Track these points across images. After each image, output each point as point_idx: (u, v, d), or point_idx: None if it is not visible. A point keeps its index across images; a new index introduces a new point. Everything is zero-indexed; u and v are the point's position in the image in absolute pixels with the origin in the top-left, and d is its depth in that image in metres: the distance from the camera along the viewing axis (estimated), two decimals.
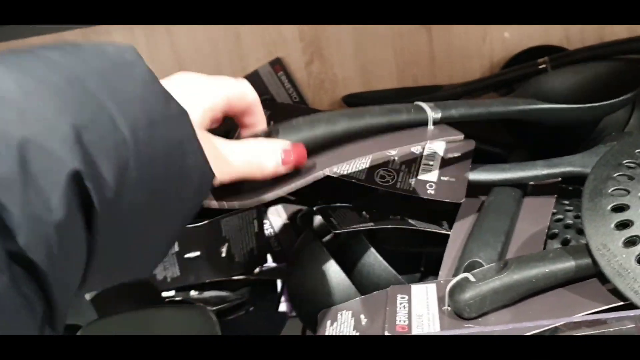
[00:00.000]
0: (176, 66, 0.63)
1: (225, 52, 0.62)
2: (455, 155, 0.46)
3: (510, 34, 0.60)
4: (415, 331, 0.33)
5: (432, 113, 0.43)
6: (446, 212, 0.47)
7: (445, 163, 0.45)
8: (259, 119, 0.37)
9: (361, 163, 0.44)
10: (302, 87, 0.62)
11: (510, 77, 0.56)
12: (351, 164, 0.41)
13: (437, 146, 0.47)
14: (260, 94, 0.62)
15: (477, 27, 0.60)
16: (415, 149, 0.47)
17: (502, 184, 0.44)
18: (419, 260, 0.48)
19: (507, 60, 0.59)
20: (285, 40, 0.61)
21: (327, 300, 0.40)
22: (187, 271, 0.44)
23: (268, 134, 0.37)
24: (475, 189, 0.45)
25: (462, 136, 0.44)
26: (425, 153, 0.46)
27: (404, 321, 0.34)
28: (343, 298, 0.39)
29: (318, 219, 0.49)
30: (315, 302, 0.40)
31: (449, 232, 0.43)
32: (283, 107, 0.52)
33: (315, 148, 0.38)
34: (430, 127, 0.43)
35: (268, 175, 0.34)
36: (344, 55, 0.62)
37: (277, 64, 0.62)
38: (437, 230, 0.43)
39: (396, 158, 0.46)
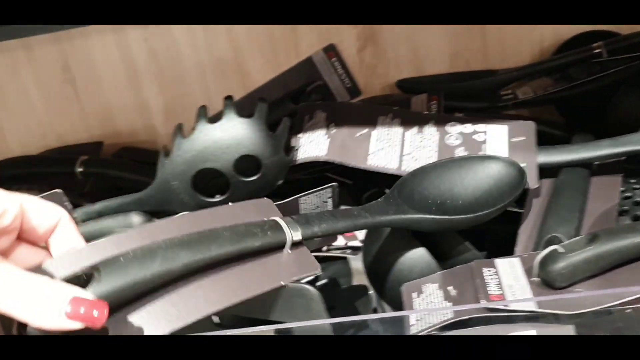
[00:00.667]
0: (234, 55, 0.64)
1: (281, 39, 0.63)
2: (521, 139, 0.48)
3: None
4: (510, 298, 0.34)
5: (291, 233, 0.35)
6: None
7: (512, 148, 0.47)
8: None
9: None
10: (354, 72, 0.63)
11: (565, 62, 0.57)
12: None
13: (501, 131, 0.48)
14: (313, 80, 0.64)
15: None
16: (478, 136, 0.48)
17: (569, 164, 0.46)
18: (482, 240, 0.50)
19: (559, 46, 0.61)
20: (338, 26, 0.63)
21: (408, 276, 0.41)
22: None
23: (85, 276, 0.29)
24: (542, 171, 0.47)
25: (318, 271, 0.36)
26: (488, 138, 0.48)
27: (497, 291, 0.36)
28: (424, 273, 0.41)
29: None
30: (397, 278, 0.42)
31: (521, 210, 0.44)
32: (341, 107, 0.52)
33: (147, 290, 0.30)
34: (287, 251, 0.35)
35: (45, 327, 0.27)
36: (396, 41, 0.63)
37: (331, 51, 0.63)
38: (512, 209, 0.45)
39: (461, 149, 0.47)
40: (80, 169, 0.59)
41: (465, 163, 0.43)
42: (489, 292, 0.36)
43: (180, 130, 0.44)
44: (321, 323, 0.33)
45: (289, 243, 0.35)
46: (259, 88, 0.65)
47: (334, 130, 0.48)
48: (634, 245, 0.34)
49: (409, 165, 0.45)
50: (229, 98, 0.44)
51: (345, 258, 0.50)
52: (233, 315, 0.38)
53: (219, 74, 0.65)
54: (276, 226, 0.35)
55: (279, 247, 0.35)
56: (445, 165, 0.43)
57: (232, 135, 0.42)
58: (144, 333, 0.29)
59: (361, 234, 0.51)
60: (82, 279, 0.28)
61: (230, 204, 0.39)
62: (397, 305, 0.41)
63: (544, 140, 0.47)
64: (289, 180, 0.47)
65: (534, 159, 0.45)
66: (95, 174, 0.59)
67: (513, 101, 0.56)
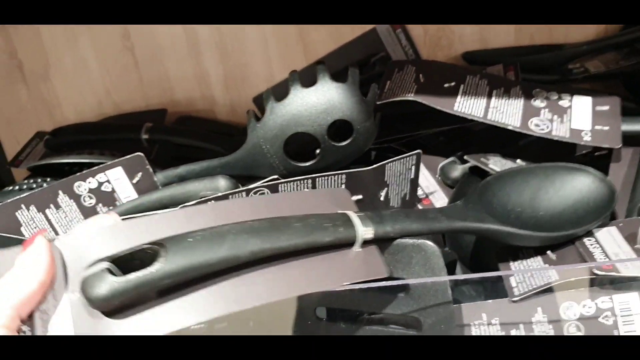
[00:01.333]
0: (296, 25, 0.64)
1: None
2: (605, 108, 0.48)
3: None
4: (621, 265, 0.35)
5: (362, 231, 0.33)
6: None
7: (596, 115, 0.47)
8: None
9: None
10: (418, 44, 0.63)
11: (634, 37, 0.57)
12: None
13: (585, 100, 0.49)
14: (376, 52, 0.64)
15: None
16: (563, 102, 0.49)
17: None
18: None
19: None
20: None
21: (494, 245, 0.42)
22: None
23: (150, 250, 0.29)
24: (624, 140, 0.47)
25: (385, 274, 0.34)
26: (573, 104, 0.48)
27: (604, 259, 0.36)
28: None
29: (460, 169, 0.51)
30: (483, 245, 0.42)
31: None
32: (431, 63, 0.53)
33: (211, 272, 0.29)
34: (357, 248, 0.33)
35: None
36: None
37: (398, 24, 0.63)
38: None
39: (546, 110, 0.48)
40: (145, 136, 0.59)
41: (552, 172, 0.40)
42: (595, 259, 0.36)
43: (272, 94, 0.44)
44: (439, 280, 0.33)
45: (359, 241, 0.33)
46: (321, 59, 0.64)
47: (423, 80, 0.48)
48: None
49: (495, 116, 0.46)
50: (321, 63, 0.44)
51: None
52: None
53: (281, 45, 0.65)
54: (348, 222, 0.33)
55: (349, 243, 0.33)
56: (532, 172, 0.40)
57: (326, 99, 0.42)
58: (199, 312, 0.28)
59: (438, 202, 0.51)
60: (147, 253, 0.28)
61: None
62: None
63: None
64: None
65: (618, 124, 0.46)
66: (161, 140, 0.59)
67: (584, 74, 0.56)
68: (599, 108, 0.48)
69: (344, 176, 0.43)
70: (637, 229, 0.37)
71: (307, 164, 0.44)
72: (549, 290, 0.36)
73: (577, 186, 0.39)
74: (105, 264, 0.26)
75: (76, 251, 0.28)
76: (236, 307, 0.29)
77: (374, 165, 0.44)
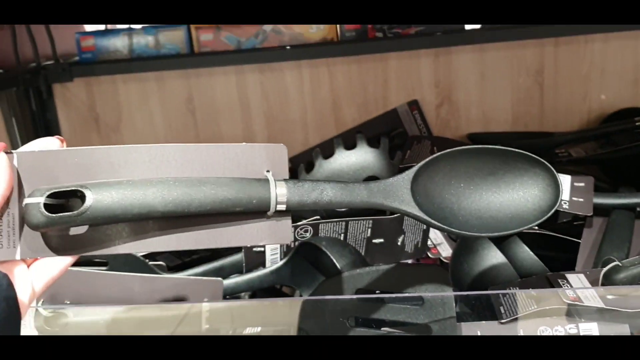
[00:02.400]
0: (332, 101, 0.77)
1: (373, 92, 0.77)
2: (581, 184, 0.60)
3: (606, 96, 0.75)
4: (584, 300, 0.46)
5: (276, 199, 0.33)
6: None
7: (574, 189, 0.59)
8: None
9: None
10: (431, 124, 0.76)
11: (611, 130, 0.70)
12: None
13: (566, 178, 0.61)
14: (395, 127, 0.77)
15: (580, 88, 0.74)
16: None
17: (618, 207, 0.58)
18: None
19: (605, 118, 0.74)
20: (422, 85, 0.76)
21: (492, 282, 0.53)
22: (371, 253, 0.57)
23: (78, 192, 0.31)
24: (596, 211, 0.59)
25: (288, 241, 0.36)
26: None
27: (573, 294, 0.47)
28: (505, 281, 0.52)
29: None
30: (482, 283, 0.53)
31: (579, 241, 0.56)
32: (443, 139, 0.66)
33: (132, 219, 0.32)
34: (271, 213, 0.33)
35: None
36: (468, 102, 0.76)
37: (414, 105, 0.76)
38: (572, 239, 0.56)
39: None
40: None
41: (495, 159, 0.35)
42: (568, 295, 0.47)
43: (320, 153, 0.56)
44: (447, 295, 0.44)
45: (273, 205, 0.33)
46: (350, 129, 0.77)
47: (436, 151, 0.61)
48: None
49: None
50: (359, 132, 0.57)
51: None
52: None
53: (317, 116, 0.78)
54: (266, 185, 0.33)
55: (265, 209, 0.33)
56: (472, 155, 0.36)
57: (363, 159, 0.55)
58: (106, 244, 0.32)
59: (445, 252, 0.62)
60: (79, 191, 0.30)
61: (244, 143, 0.35)
62: None
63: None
64: None
65: (590, 197, 0.58)
66: None
67: (568, 158, 0.68)
68: (576, 184, 0.60)
69: (370, 221, 0.54)
70: (599, 276, 0.48)
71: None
72: (529, 316, 0.46)
73: (524, 182, 0.36)
74: (41, 199, 0.30)
75: (29, 168, 0.31)
76: (142, 248, 0.32)
77: (395, 215, 0.56)
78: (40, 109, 0.80)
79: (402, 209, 0.35)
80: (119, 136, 0.80)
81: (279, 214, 0.34)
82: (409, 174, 0.36)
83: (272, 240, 0.34)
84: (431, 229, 0.63)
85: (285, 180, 0.34)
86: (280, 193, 0.33)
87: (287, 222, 0.34)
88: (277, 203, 0.33)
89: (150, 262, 0.50)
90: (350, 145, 0.55)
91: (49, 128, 0.81)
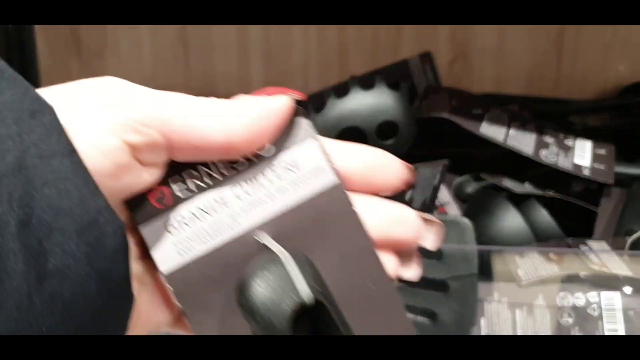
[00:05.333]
0: (339, 49, 0.72)
1: (384, 40, 0.72)
2: (602, 152, 0.57)
3: (625, 67, 0.71)
4: (610, 267, 0.43)
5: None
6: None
7: (595, 156, 0.56)
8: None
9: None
10: (442, 81, 0.72)
11: (628, 103, 0.67)
12: None
13: (586, 143, 0.58)
14: (404, 80, 0.72)
15: (599, 57, 0.71)
16: (568, 142, 0.58)
17: (637, 178, 0.55)
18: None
19: (622, 89, 0.71)
20: (437, 38, 0.71)
21: (508, 245, 0.49)
22: None
23: None
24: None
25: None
26: (576, 145, 0.57)
27: (598, 261, 0.44)
28: (521, 244, 0.49)
29: (474, 185, 0.59)
30: (498, 243, 0.50)
31: (595, 210, 0.53)
32: (462, 92, 0.62)
33: None
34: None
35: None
36: (484, 60, 0.72)
37: (426, 58, 0.72)
38: (589, 207, 0.53)
39: (554, 145, 0.56)
40: None
41: None
42: (592, 259, 0.44)
43: (334, 91, 0.51)
44: (471, 248, 0.40)
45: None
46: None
47: (454, 104, 0.56)
48: None
49: (512, 143, 0.54)
50: (379, 73, 0.52)
51: None
52: None
53: (322, 63, 0.73)
54: None
55: None
56: None
57: (381, 102, 0.50)
58: None
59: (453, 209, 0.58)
60: None
61: None
62: None
63: None
64: None
65: (612, 165, 0.54)
66: None
67: (582, 127, 0.65)
68: (597, 151, 0.56)
69: None
70: (622, 245, 0.45)
71: None
72: (550, 280, 0.43)
73: None
74: None
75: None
76: None
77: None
78: (15, 28, 0.73)
79: None
80: (102, 63, 0.74)
81: None
82: None
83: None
84: (441, 187, 0.59)
85: None
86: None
87: None
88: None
89: None
90: (367, 86, 0.50)
91: (24, 51, 0.74)
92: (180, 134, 0.21)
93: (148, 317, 0.23)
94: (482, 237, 0.52)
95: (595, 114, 0.68)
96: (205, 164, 0.22)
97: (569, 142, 0.57)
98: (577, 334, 0.42)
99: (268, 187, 0.23)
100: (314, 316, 0.22)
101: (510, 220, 0.50)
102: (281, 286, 0.21)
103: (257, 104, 0.22)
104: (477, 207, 0.52)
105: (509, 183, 0.55)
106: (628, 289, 0.43)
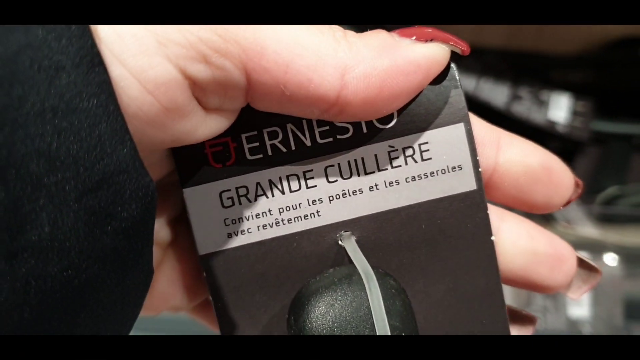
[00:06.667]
0: None
1: None
2: (578, 108, 0.54)
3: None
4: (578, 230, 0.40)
5: None
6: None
7: (570, 111, 0.53)
8: None
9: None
10: None
11: (611, 59, 0.63)
12: None
13: (562, 98, 0.54)
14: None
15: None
16: (543, 96, 0.54)
17: (615, 136, 0.52)
18: None
19: (606, 45, 0.67)
20: None
21: None
22: None
23: None
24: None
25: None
26: (551, 99, 0.54)
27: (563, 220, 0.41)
28: None
29: None
30: None
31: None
32: None
33: None
34: None
35: None
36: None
37: None
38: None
39: (527, 99, 0.53)
40: None
41: None
42: (557, 219, 0.41)
43: None
44: None
45: None
46: None
47: None
48: None
49: (484, 93, 0.52)
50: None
51: None
52: None
53: None
54: None
55: None
56: None
57: None
58: None
59: None
60: None
61: None
62: None
63: None
64: None
65: (588, 122, 0.51)
66: None
67: (562, 81, 0.61)
68: (574, 107, 0.53)
69: None
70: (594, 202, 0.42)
71: None
72: None
73: None
74: None
75: None
76: None
77: None
78: None
79: None
80: None
81: None
82: None
83: None
84: None
85: None
86: None
87: None
88: None
89: None
90: None
91: None
92: (271, 71, 0.14)
93: (164, 298, 0.17)
94: None
95: (578, 69, 0.64)
96: (296, 121, 0.16)
97: (544, 96, 0.54)
98: (540, 296, 0.40)
99: (375, 173, 0.16)
100: None
101: None
102: (353, 317, 0.15)
103: (395, 48, 0.15)
104: None
105: None
106: (593, 252, 0.40)
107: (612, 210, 0.41)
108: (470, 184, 0.17)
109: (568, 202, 0.18)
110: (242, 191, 0.15)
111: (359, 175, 0.16)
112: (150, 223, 0.14)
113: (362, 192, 0.16)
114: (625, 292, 0.39)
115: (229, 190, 0.15)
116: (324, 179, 0.16)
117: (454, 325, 0.17)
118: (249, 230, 0.16)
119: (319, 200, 0.16)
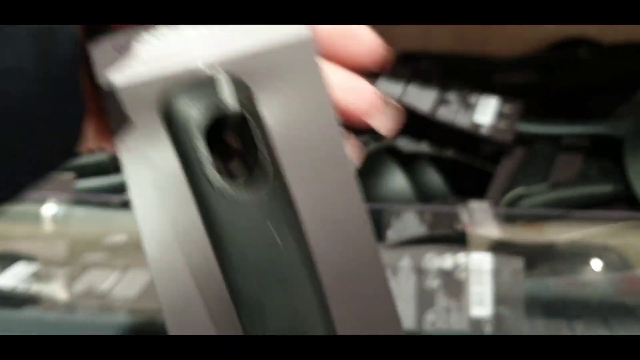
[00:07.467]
0: None
1: None
2: (505, 110, 0.55)
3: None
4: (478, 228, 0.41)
5: None
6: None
7: (497, 114, 0.54)
8: None
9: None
10: None
11: (552, 60, 0.64)
12: None
13: (490, 101, 0.56)
14: None
15: None
16: (471, 99, 0.55)
17: (541, 137, 0.53)
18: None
19: (548, 46, 0.68)
20: None
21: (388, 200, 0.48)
22: None
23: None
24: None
25: None
26: (479, 102, 0.55)
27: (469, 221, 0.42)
28: (402, 200, 0.48)
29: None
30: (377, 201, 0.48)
31: (491, 170, 0.52)
32: None
33: None
34: None
35: None
36: None
37: None
38: (483, 167, 0.52)
39: (454, 103, 0.54)
40: None
41: None
42: (461, 219, 0.42)
43: None
44: None
45: None
46: None
47: None
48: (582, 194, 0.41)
49: (409, 100, 0.53)
50: None
51: None
52: None
53: None
54: None
55: None
56: None
57: None
58: None
59: None
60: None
61: None
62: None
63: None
64: None
65: (513, 125, 0.53)
66: None
67: (505, 85, 0.62)
68: (502, 109, 0.54)
69: None
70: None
71: None
72: (418, 241, 0.42)
73: None
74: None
75: None
76: None
77: None
78: None
79: None
80: None
81: None
82: None
83: None
84: None
85: None
86: None
87: None
88: None
89: None
90: None
91: None
92: None
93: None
94: (367, 197, 0.50)
95: (521, 71, 0.65)
96: None
97: (472, 99, 0.55)
98: (443, 296, 0.41)
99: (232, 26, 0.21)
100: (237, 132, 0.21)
101: (393, 180, 0.48)
102: (207, 96, 0.20)
103: None
104: (364, 167, 0.51)
105: (403, 142, 0.53)
106: (496, 252, 0.41)
107: (515, 211, 0.42)
108: (305, 34, 0.21)
109: (379, 65, 0.21)
110: (131, 41, 0.20)
111: (221, 27, 0.21)
112: (80, 63, 0.19)
113: (224, 40, 0.21)
114: (527, 290, 0.40)
115: (121, 42, 0.20)
116: (195, 30, 0.21)
117: (295, 130, 0.21)
118: (140, 72, 0.20)
119: (191, 46, 0.21)
